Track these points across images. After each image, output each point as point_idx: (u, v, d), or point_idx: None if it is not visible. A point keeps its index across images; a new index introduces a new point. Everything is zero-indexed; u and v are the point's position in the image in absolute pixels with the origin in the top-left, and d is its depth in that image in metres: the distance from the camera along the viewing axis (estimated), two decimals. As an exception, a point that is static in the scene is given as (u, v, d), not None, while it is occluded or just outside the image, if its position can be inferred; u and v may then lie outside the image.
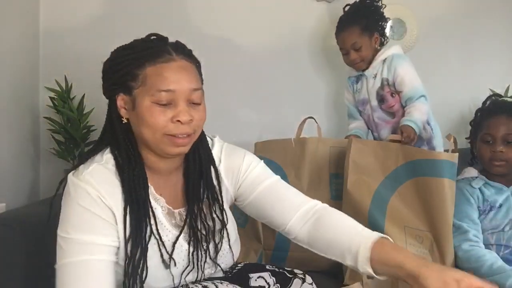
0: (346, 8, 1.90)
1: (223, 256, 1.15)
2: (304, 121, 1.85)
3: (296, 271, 1.19)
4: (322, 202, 1.19)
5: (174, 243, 1.07)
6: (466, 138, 1.91)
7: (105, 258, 0.99)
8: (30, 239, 1.28)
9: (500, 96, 1.93)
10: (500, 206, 1.62)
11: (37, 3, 2.05)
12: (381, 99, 1.84)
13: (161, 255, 1.04)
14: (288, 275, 1.17)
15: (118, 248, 1.02)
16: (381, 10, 1.91)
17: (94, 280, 0.97)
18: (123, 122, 1.06)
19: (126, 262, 1.00)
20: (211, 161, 1.16)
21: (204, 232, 1.10)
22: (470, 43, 2.16)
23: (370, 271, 0.99)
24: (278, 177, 1.21)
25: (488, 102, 1.76)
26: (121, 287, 1.04)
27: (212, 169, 1.16)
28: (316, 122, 1.84)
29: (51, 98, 1.99)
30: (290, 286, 1.15)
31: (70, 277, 0.96)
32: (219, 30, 2.12)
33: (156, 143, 1.04)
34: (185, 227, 1.10)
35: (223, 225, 1.14)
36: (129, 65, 1.03)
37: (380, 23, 1.91)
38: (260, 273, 1.14)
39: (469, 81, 2.15)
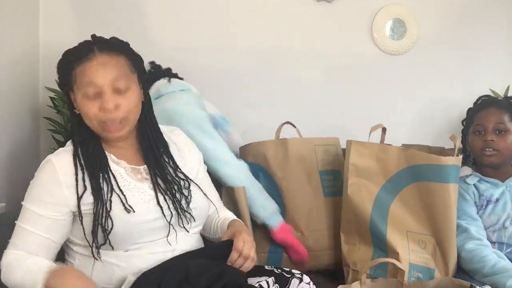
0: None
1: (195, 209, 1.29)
2: (282, 125, 1.82)
3: (294, 271, 1.23)
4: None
5: (137, 191, 1.22)
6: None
7: (43, 234, 1.16)
8: (30, 239, 1.28)
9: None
10: (497, 200, 1.60)
11: (37, 4, 2.05)
12: None
13: (123, 205, 1.17)
14: (286, 275, 1.20)
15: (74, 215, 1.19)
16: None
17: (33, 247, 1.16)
18: (76, 114, 1.23)
19: (94, 219, 1.15)
20: (160, 133, 1.32)
21: (168, 179, 1.26)
22: (470, 43, 2.16)
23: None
24: None
25: (479, 101, 1.75)
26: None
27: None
28: (294, 126, 1.82)
29: (51, 98, 1.99)
30: (288, 286, 1.18)
31: (19, 239, 1.17)
32: (217, 30, 2.12)
33: (96, 129, 1.21)
34: (150, 178, 1.26)
35: (188, 183, 1.29)
36: (65, 68, 1.21)
37: None
38: (258, 277, 1.17)
39: (469, 81, 2.15)
